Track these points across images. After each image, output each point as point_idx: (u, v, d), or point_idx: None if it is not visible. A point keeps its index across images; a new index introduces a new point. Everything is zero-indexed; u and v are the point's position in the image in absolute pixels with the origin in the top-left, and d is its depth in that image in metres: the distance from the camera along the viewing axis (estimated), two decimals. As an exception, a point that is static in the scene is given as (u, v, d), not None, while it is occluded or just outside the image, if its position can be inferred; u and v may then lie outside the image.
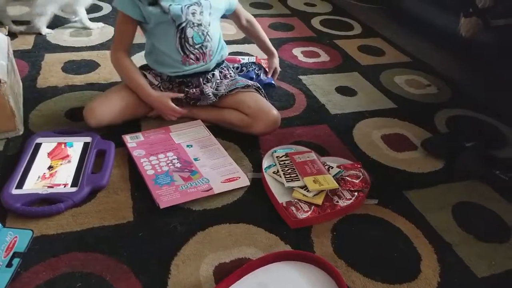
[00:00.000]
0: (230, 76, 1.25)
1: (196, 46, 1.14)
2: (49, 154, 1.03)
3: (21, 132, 1.10)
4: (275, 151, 1.10)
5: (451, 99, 1.51)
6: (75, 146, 1.05)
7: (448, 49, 1.84)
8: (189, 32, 1.12)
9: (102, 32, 1.76)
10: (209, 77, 1.21)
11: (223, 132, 1.19)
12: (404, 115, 1.37)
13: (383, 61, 1.77)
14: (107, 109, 1.10)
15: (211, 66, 1.19)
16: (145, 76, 1.18)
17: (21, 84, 1.29)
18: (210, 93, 1.19)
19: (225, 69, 1.25)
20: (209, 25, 1.14)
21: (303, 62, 1.69)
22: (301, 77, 1.57)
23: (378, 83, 1.58)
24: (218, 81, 1.21)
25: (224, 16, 1.26)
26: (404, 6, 2.14)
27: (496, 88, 1.58)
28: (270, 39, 1.46)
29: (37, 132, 1.10)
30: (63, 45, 1.63)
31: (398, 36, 1.99)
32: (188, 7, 1.10)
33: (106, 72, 1.46)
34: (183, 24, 1.11)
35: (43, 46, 1.61)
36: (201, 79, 1.19)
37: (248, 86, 1.20)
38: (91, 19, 1.81)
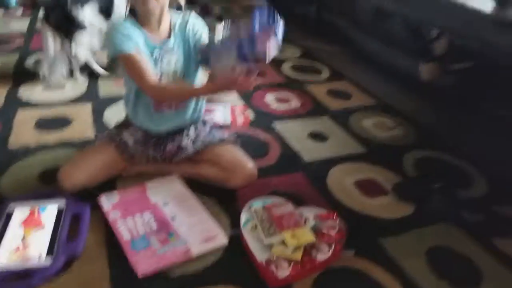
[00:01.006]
0: (205, 131, 1.27)
1: None
2: (22, 222, 1.00)
3: (-9, 199, 1.08)
4: (253, 204, 1.11)
5: (417, 141, 1.58)
6: (49, 211, 1.04)
7: (410, 91, 1.94)
8: (164, 81, 1.14)
9: (74, 86, 1.77)
10: (184, 134, 1.22)
11: (199, 186, 1.20)
12: (374, 159, 1.43)
13: (351, 104, 1.84)
14: (81, 172, 1.10)
15: (186, 122, 1.22)
16: (120, 134, 1.19)
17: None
18: (188, 146, 1.20)
19: (200, 125, 1.27)
20: (183, 74, 1.16)
21: (275, 109, 1.75)
22: (274, 124, 1.61)
23: (348, 127, 1.64)
24: (193, 136, 1.23)
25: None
26: (367, 48, 2.25)
27: (458, 128, 1.66)
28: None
29: (8, 198, 1.08)
30: (35, 101, 1.63)
31: (363, 79, 2.09)
32: (162, 58, 1.12)
33: (80, 128, 1.46)
34: (158, 76, 1.12)
35: (15, 102, 1.61)
36: (176, 137, 1.21)
37: (224, 139, 1.23)
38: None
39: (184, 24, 1.15)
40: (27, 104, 1.60)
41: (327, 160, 1.40)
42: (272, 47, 0.89)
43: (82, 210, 1.05)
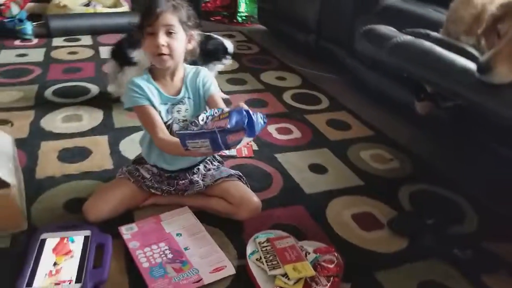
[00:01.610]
0: (214, 168, 1.40)
1: None
2: (53, 250, 1.12)
3: (25, 228, 1.20)
4: (257, 237, 1.23)
5: (413, 173, 1.69)
6: (76, 240, 1.16)
7: (407, 122, 2.06)
8: (175, 127, 1.27)
9: (91, 116, 1.91)
10: (195, 171, 1.35)
11: (208, 217, 1.31)
12: (371, 192, 1.54)
13: (350, 135, 1.97)
14: (104, 205, 1.23)
15: (196, 160, 1.34)
16: (138, 170, 1.32)
17: (22, 177, 1.40)
18: (199, 181, 1.33)
19: (209, 163, 1.40)
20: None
21: (277, 139, 1.87)
22: (276, 155, 1.74)
23: (346, 158, 1.76)
24: (203, 173, 1.36)
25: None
26: (364, 78, 2.38)
27: (453, 161, 1.77)
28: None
29: (40, 227, 1.20)
30: (56, 132, 1.76)
31: (361, 109, 2.22)
32: (173, 107, 1.26)
33: (98, 159, 1.59)
34: (170, 122, 1.26)
35: (38, 134, 1.74)
36: (187, 174, 1.34)
37: (231, 175, 1.36)
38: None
39: (196, 76, 1.29)
40: (49, 135, 1.73)
41: (326, 193, 1.52)
42: (244, 142, 1.00)
43: (106, 240, 1.17)
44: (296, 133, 1.94)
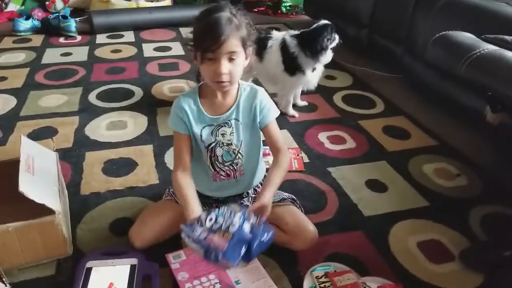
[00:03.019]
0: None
1: (226, 164, 1.18)
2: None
3: (70, 253, 1.15)
4: (314, 269, 1.12)
5: (484, 193, 1.52)
6: (122, 270, 1.10)
7: (476, 132, 1.85)
8: (219, 151, 1.16)
9: (135, 123, 1.85)
10: (244, 195, 1.25)
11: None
12: (437, 215, 1.39)
13: (410, 145, 1.80)
14: (149, 233, 1.16)
15: (245, 189, 1.24)
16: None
17: (67, 196, 1.36)
18: (248, 204, 1.23)
19: (259, 185, 1.28)
20: (241, 143, 1.16)
21: (330, 149, 1.74)
22: (329, 169, 1.61)
23: (407, 174, 1.60)
24: (253, 196, 1.26)
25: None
26: (425, 80, 2.17)
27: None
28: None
29: (86, 255, 1.15)
30: (101, 141, 1.71)
31: (421, 114, 2.03)
32: (218, 129, 1.14)
33: (144, 172, 1.53)
34: (213, 145, 1.16)
35: (83, 143, 1.70)
36: (236, 198, 1.24)
37: (284, 199, 1.25)
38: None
39: (253, 97, 1.15)
40: (94, 144, 1.69)
41: (388, 215, 1.38)
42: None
43: (152, 269, 1.10)
44: (350, 143, 1.80)
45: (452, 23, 1.78)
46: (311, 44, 1.83)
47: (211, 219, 0.97)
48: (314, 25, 1.88)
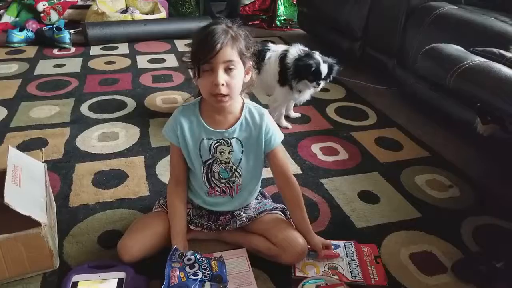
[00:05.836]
0: (257, 201, 1.28)
1: (223, 181, 1.17)
2: (85, 296, 1.04)
3: (56, 266, 1.13)
4: (306, 283, 1.10)
5: (475, 204, 1.52)
6: (109, 284, 1.07)
7: (467, 143, 1.86)
8: (216, 168, 1.15)
9: (127, 134, 1.83)
10: (236, 213, 1.23)
11: (250, 258, 1.19)
12: (429, 226, 1.38)
13: (402, 157, 1.80)
14: (138, 246, 1.13)
15: (241, 205, 1.23)
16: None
17: (54, 205, 1.33)
18: (242, 214, 1.21)
19: (249, 206, 1.27)
20: (239, 162, 1.15)
21: (322, 161, 1.73)
22: (322, 180, 1.60)
23: (399, 185, 1.59)
24: (245, 207, 1.25)
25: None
26: (415, 90, 2.19)
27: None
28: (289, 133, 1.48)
29: (72, 268, 1.12)
30: (92, 152, 1.69)
31: (413, 126, 2.04)
32: (217, 146, 1.13)
33: (134, 184, 1.51)
34: (210, 161, 1.14)
35: (73, 154, 1.68)
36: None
37: (275, 208, 1.24)
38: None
39: (259, 119, 1.13)
40: (85, 156, 1.67)
41: (380, 227, 1.37)
42: None
43: (141, 283, 1.08)
44: (343, 154, 1.79)
45: (442, 36, 1.79)
46: (295, 68, 1.80)
47: (189, 260, 1.08)
48: (310, 61, 1.77)
